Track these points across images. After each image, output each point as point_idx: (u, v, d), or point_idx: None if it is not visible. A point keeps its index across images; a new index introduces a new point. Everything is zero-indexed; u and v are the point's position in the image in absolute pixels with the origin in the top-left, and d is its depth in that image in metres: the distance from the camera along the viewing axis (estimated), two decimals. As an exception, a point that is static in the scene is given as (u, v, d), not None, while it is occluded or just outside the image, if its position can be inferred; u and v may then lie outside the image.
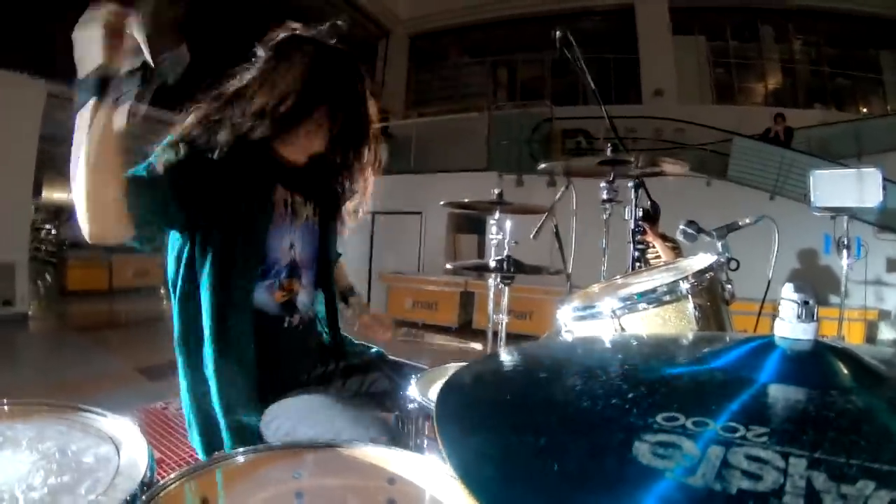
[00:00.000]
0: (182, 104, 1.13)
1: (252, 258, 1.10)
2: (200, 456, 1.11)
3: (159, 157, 0.99)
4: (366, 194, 1.31)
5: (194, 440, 1.12)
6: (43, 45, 7.27)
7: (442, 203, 2.42)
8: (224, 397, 1.06)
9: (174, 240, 1.10)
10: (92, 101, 0.83)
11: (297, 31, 1.15)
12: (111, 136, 0.85)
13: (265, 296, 1.16)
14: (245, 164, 1.07)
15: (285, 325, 1.20)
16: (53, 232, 12.04)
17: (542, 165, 2.45)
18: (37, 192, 8.81)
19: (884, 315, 6.06)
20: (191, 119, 1.09)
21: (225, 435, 1.07)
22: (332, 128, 1.16)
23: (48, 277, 10.33)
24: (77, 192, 0.87)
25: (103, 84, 0.82)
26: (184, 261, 1.08)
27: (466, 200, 2.31)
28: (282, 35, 1.14)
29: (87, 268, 8.89)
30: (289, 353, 1.21)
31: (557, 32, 2.04)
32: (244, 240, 1.08)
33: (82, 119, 0.84)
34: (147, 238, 0.97)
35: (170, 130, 1.08)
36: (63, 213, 11.59)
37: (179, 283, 1.09)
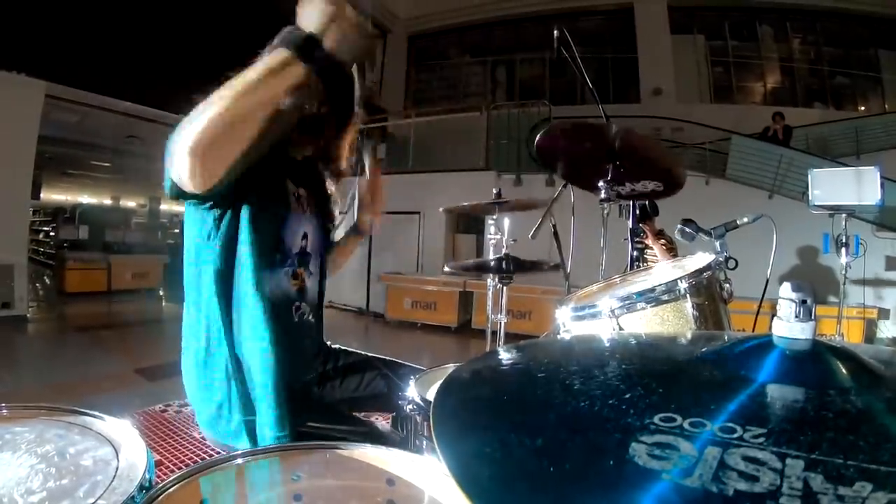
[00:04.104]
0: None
1: (273, 242, 1.12)
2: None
3: None
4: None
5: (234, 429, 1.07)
6: (42, 46, 7.28)
7: (441, 209, 2.41)
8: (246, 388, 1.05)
9: (200, 220, 1.07)
10: (290, 53, 0.86)
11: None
12: (285, 89, 0.88)
13: (285, 282, 1.17)
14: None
15: (297, 312, 1.21)
16: (52, 234, 12.04)
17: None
18: (35, 193, 8.82)
19: (883, 313, 6.06)
20: None
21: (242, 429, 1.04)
22: (330, 129, 1.18)
23: (47, 279, 10.34)
24: (213, 115, 0.84)
25: (310, 44, 0.87)
26: (220, 242, 1.05)
27: (465, 205, 2.30)
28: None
29: (85, 269, 8.91)
30: (298, 346, 1.21)
31: (555, 32, 2.04)
32: (267, 223, 1.09)
33: (271, 59, 0.87)
34: (215, 195, 0.96)
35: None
36: (61, 215, 11.61)
37: (211, 271, 1.06)
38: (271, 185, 1.11)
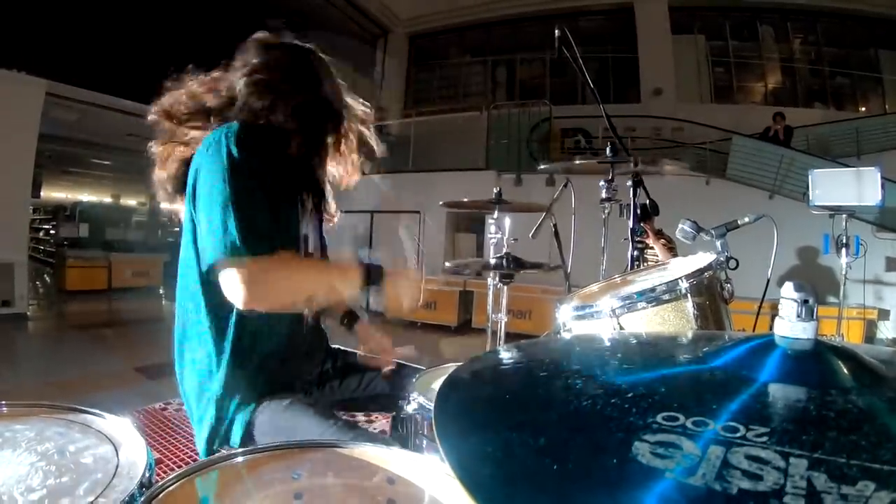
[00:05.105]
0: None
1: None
2: (201, 452, 1.09)
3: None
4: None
5: (200, 437, 1.09)
6: (42, 44, 7.28)
7: (441, 203, 2.41)
8: (232, 386, 1.05)
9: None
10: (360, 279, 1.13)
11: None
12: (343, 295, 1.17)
13: None
14: (281, 165, 1.09)
15: (303, 314, 1.20)
16: (52, 232, 12.04)
17: (543, 166, 2.46)
18: (36, 191, 8.82)
19: (883, 314, 6.06)
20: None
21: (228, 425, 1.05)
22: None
23: (47, 277, 10.33)
24: (276, 291, 1.00)
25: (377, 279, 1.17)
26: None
27: (465, 200, 2.30)
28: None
29: (85, 267, 8.90)
30: (298, 347, 1.21)
31: (556, 31, 2.04)
32: (283, 232, 1.10)
33: (347, 274, 1.13)
34: None
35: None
36: (61, 213, 11.60)
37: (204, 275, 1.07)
38: (288, 196, 1.12)
